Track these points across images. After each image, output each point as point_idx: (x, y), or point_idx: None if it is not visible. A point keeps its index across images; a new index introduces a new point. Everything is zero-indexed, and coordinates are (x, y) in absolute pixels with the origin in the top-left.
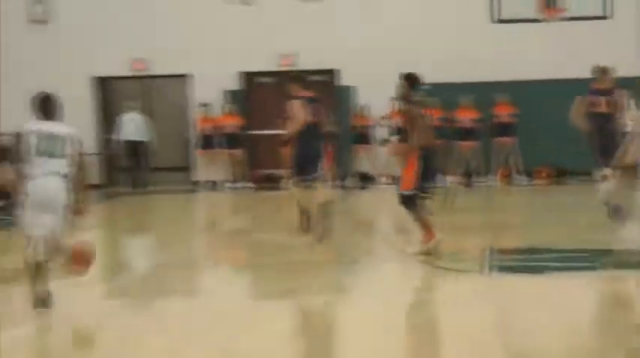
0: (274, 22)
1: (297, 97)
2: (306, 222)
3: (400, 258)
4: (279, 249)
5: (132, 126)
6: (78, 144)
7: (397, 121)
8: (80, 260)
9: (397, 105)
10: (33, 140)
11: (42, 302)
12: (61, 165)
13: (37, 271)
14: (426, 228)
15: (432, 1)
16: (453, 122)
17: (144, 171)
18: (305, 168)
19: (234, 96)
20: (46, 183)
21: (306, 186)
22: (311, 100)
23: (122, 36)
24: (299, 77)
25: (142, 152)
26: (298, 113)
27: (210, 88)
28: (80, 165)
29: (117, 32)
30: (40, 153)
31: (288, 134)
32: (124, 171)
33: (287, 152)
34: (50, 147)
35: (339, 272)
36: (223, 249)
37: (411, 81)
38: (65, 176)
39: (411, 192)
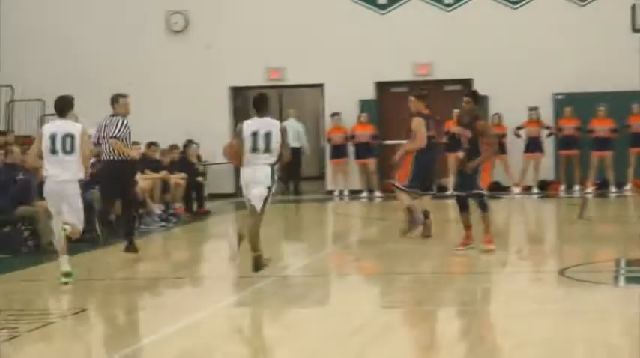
0: (409, 31)
1: (420, 115)
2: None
3: (531, 269)
4: (409, 258)
5: (290, 132)
6: (282, 135)
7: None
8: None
9: (460, 119)
10: (249, 137)
11: (256, 266)
12: (270, 157)
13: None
14: (469, 230)
15: (568, 10)
16: (588, 132)
17: (297, 178)
18: (422, 182)
19: (368, 105)
20: (258, 171)
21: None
22: (428, 117)
23: (258, 45)
24: (424, 96)
25: (297, 159)
26: (423, 131)
27: (344, 98)
28: (285, 151)
29: (253, 41)
30: (254, 148)
31: (411, 149)
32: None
33: (405, 163)
34: (261, 143)
35: (469, 282)
36: (354, 258)
37: (475, 97)
38: (271, 164)
39: (485, 192)
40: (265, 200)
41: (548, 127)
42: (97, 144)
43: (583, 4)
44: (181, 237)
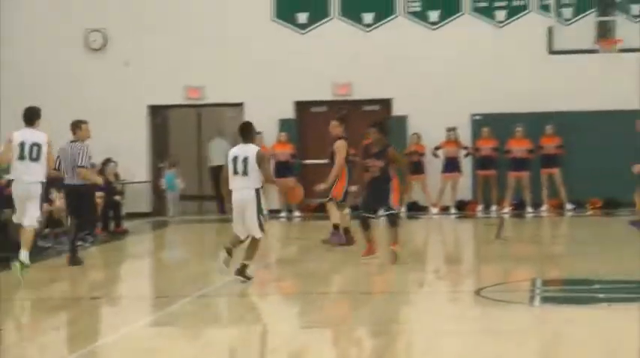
0: (329, 51)
1: (341, 138)
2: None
3: (449, 288)
4: (328, 278)
5: (219, 152)
6: (261, 160)
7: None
8: (293, 196)
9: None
10: (230, 162)
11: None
12: (250, 180)
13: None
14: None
15: (487, 32)
16: (505, 152)
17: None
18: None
19: (287, 124)
20: (239, 195)
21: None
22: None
23: (177, 63)
24: (344, 119)
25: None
26: (342, 155)
27: (264, 117)
28: (265, 176)
29: (172, 60)
30: (235, 172)
31: (337, 174)
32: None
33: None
34: (240, 167)
35: (387, 302)
36: (273, 277)
37: (383, 127)
38: (255, 189)
39: (398, 210)
40: (260, 225)
41: (466, 147)
42: (57, 169)
43: (501, 25)
44: (98, 257)
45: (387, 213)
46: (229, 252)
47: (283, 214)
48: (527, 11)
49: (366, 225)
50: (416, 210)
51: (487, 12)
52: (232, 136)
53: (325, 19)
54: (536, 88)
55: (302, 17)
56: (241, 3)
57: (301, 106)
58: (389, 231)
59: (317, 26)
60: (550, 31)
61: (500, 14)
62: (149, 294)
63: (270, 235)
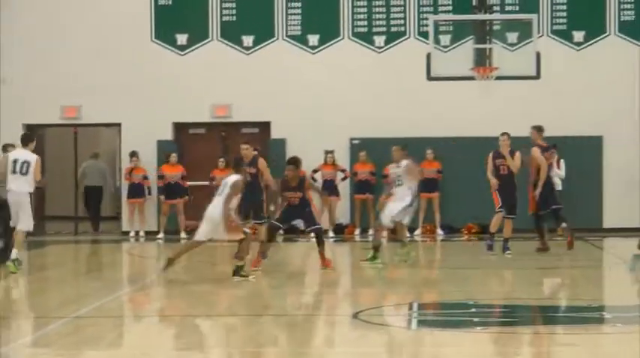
0: (208, 72)
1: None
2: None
3: (326, 312)
4: (205, 300)
5: (92, 172)
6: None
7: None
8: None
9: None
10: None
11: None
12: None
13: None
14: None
15: (366, 56)
16: (383, 176)
17: (97, 217)
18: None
19: (166, 146)
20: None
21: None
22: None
23: (54, 82)
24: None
25: (99, 197)
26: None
27: (141, 137)
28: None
29: (49, 78)
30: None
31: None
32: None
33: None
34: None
35: (265, 324)
36: (150, 299)
37: (298, 164)
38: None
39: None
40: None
41: (343, 171)
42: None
43: (380, 50)
44: None
45: (314, 227)
46: (170, 262)
47: (161, 236)
48: (406, 37)
49: (271, 236)
50: (293, 232)
51: (366, 37)
52: (109, 156)
53: (205, 41)
54: (414, 113)
55: (182, 38)
56: (121, 22)
57: (180, 128)
58: (318, 248)
59: (196, 48)
60: (428, 57)
61: (380, 40)
62: (25, 315)
63: (151, 256)
